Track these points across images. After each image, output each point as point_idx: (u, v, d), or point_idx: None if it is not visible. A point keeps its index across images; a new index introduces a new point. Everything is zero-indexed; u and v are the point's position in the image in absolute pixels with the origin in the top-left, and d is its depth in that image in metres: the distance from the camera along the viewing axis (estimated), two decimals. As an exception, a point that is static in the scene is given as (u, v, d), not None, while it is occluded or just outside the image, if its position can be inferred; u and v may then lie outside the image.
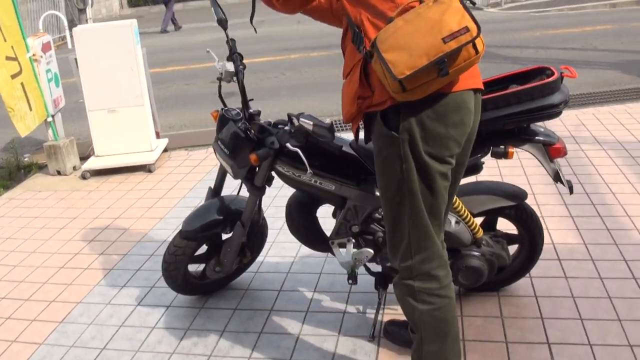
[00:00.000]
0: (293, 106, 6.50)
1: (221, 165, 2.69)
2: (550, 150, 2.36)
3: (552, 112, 2.24)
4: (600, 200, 3.50)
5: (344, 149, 2.37)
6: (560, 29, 9.99)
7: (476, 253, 2.50)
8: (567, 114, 5.16)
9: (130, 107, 4.56)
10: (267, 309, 2.79)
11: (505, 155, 2.33)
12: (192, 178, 4.46)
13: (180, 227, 2.69)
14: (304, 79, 7.73)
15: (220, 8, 2.48)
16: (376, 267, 2.66)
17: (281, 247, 3.34)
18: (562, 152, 2.38)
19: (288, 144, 2.22)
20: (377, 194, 2.43)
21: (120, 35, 4.40)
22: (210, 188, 2.77)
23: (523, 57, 8.06)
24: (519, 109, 2.23)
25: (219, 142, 2.48)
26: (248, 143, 2.37)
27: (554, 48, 8.47)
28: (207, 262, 2.81)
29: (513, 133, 2.35)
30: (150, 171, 4.62)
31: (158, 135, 4.94)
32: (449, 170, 1.79)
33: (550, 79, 2.22)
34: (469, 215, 2.46)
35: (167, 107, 6.86)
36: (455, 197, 2.41)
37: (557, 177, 2.38)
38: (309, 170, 2.18)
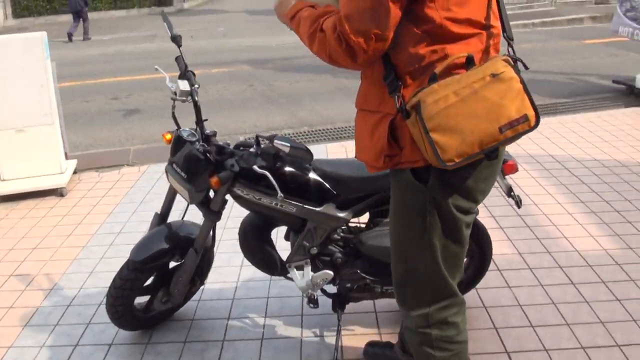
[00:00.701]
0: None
1: (170, 190, 2.53)
2: (505, 167, 2.45)
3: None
4: (525, 211, 3.69)
5: (308, 172, 2.32)
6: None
7: (434, 269, 2.52)
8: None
9: (39, 126, 4.18)
10: (219, 340, 2.64)
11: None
12: (109, 202, 4.17)
13: (108, 256, 2.48)
14: (210, 97, 7.56)
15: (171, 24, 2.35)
16: (331, 288, 2.62)
17: (220, 272, 3.19)
18: (515, 169, 2.48)
19: (255, 167, 2.12)
20: (339, 214, 2.40)
21: (29, 49, 4.03)
22: (156, 214, 2.59)
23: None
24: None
25: (173, 165, 2.32)
26: (207, 166, 2.24)
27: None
28: (154, 294, 2.63)
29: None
30: (62, 195, 4.27)
31: (67, 156, 4.58)
32: (473, 219, 1.75)
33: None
34: (428, 232, 2.48)
35: (68, 125, 6.38)
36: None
37: (509, 192, 2.47)
38: (280, 194, 2.09)
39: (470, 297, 2.85)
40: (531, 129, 1.49)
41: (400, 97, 1.52)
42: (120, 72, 9.50)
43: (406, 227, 1.72)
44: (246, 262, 3.23)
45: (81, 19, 14.70)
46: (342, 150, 5.01)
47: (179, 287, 2.50)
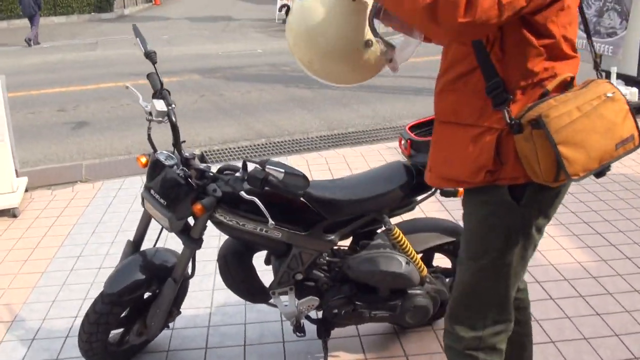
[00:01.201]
0: (156, 137, 6.08)
1: (144, 216, 2.38)
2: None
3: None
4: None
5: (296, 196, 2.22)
6: (411, 59, 10.61)
7: (421, 292, 2.47)
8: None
9: (-13, 143, 3.92)
10: (198, 371, 2.51)
11: (455, 193, 2.34)
12: (65, 222, 3.94)
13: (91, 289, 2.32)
14: (162, 107, 7.33)
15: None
16: (315, 314, 2.53)
17: (193, 297, 3.04)
18: (500, 188, 2.46)
19: (242, 192, 2.01)
20: (327, 238, 2.32)
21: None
22: (129, 241, 2.43)
23: (378, 84, 8.44)
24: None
25: (151, 191, 2.17)
26: (189, 192, 2.11)
27: (409, 76, 8.98)
28: (128, 326, 2.47)
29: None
30: (14, 216, 4.00)
31: (17, 174, 4.30)
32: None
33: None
34: (415, 255, 2.43)
35: (15, 139, 6.04)
36: (401, 235, 2.38)
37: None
38: (271, 222, 1.99)
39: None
40: (635, 148, 1.55)
41: (509, 112, 1.49)
42: (64, 82, 9.10)
43: (484, 244, 1.66)
44: (218, 285, 3.12)
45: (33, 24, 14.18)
46: (322, 161, 4.94)
47: (156, 320, 2.35)
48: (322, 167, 4.87)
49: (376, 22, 1.63)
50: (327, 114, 6.96)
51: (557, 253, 3.34)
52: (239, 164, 2.27)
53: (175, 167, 2.16)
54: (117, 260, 3.34)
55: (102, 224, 3.90)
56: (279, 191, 2.10)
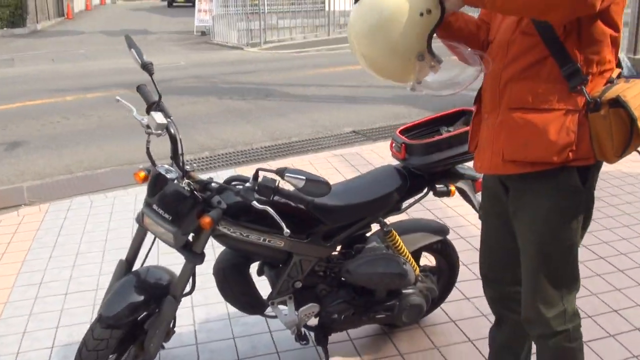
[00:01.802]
0: (95, 154, 5.87)
1: (138, 234, 2.29)
2: (476, 184, 2.54)
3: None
4: (456, 223, 3.85)
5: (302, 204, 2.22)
6: (331, 68, 10.81)
7: (415, 290, 2.54)
8: (371, 148, 5.62)
9: None
10: (197, 390, 2.45)
11: (448, 193, 2.43)
12: (17, 248, 3.71)
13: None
14: (92, 124, 7.07)
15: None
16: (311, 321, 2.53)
17: (172, 315, 2.95)
18: (484, 185, 2.58)
19: (254, 202, 1.99)
20: (327, 245, 2.34)
21: None
22: (121, 261, 2.33)
23: (309, 94, 8.54)
24: (461, 150, 2.36)
25: (153, 207, 2.10)
26: (195, 205, 2.06)
27: (335, 85, 9.14)
28: (121, 352, 2.36)
29: (447, 173, 2.48)
30: (-42, 245, 3.72)
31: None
32: None
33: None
34: (409, 255, 2.50)
35: None
36: (397, 237, 2.44)
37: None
38: (286, 230, 1.98)
39: (436, 313, 2.91)
40: None
41: (587, 94, 1.64)
42: (-15, 101, 8.55)
43: (557, 231, 1.78)
44: (197, 301, 3.05)
45: None
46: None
47: (155, 340, 2.26)
48: (274, 177, 4.86)
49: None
50: (267, 124, 6.95)
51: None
52: (237, 173, 2.25)
53: (177, 180, 2.10)
54: (81, 285, 3.22)
55: (58, 247, 3.70)
56: (290, 199, 2.10)
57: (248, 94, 8.61)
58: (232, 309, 2.97)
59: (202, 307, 3.04)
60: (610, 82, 1.68)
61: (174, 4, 29.57)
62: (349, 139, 6.23)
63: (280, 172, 1.90)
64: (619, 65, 1.76)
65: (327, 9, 16.77)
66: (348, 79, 9.56)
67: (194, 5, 18.28)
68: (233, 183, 2.16)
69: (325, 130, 6.63)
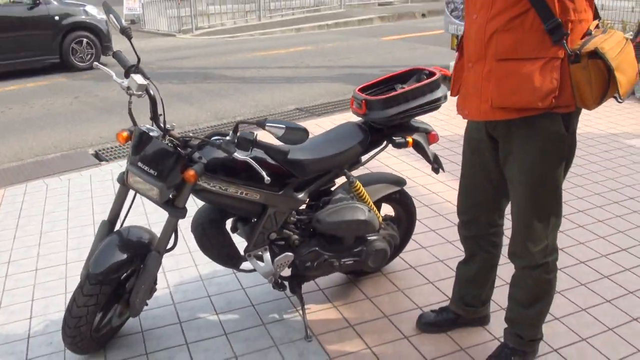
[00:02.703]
0: (43, 141, 5.79)
1: (120, 194, 2.40)
2: (429, 137, 2.79)
3: (438, 104, 2.65)
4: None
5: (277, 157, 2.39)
6: (267, 51, 10.91)
7: (379, 237, 2.76)
8: (315, 122, 5.83)
9: None
10: (182, 344, 2.58)
11: (406, 144, 2.65)
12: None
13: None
14: (37, 112, 6.91)
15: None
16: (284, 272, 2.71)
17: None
18: (437, 138, 2.83)
19: (236, 154, 2.14)
20: (299, 196, 2.52)
21: None
22: (103, 221, 2.43)
23: (248, 76, 8.63)
24: (416, 104, 2.59)
25: (138, 164, 2.21)
26: (179, 160, 2.19)
27: (272, 67, 9.27)
28: (106, 310, 2.47)
29: (403, 126, 2.70)
30: None
31: None
32: None
33: (436, 77, 2.63)
34: (372, 204, 2.71)
35: None
36: (361, 187, 2.65)
37: (435, 159, 2.81)
38: (267, 178, 2.14)
39: (397, 262, 3.15)
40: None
41: (565, 42, 1.82)
42: None
43: (546, 172, 2.00)
44: (168, 266, 3.17)
45: None
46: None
47: (140, 296, 2.38)
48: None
49: None
50: (211, 105, 7.02)
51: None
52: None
53: (160, 137, 2.21)
54: (50, 262, 3.25)
55: (20, 228, 3.70)
56: (267, 151, 2.25)
57: (187, 78, 8.61)
58: (204, 271, 3.14)
59: (175, 271, 3.16)
60: (588, 34, 1.87)
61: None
62: (293, 115, 6.41)
63: (261, 123, 2.06)
64: (596, 16, 1.96)
65: (255, -7, 16.75)
66: (285, 61, 9.71)
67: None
68: (213, 138, 2.30)
69: (269, 109, 6.78)
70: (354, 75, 8.42)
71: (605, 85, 1.84)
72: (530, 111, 1.91)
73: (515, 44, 1.88)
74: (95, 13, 9.76)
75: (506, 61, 1.90)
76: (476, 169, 2.25)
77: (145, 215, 3.77)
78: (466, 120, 2.23)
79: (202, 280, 3.07)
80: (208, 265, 3.18)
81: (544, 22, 1.83)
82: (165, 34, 15.19)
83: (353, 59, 9.76)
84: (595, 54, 1.80)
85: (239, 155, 2.14)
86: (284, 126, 2.04)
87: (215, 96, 7.46)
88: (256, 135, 2.15)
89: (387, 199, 2.89)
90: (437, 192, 4.01)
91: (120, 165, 4.69)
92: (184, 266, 3.20)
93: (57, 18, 9.24)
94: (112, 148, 5.46)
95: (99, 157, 5.18)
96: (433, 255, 3.23)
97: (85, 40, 9.55)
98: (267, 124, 2.05)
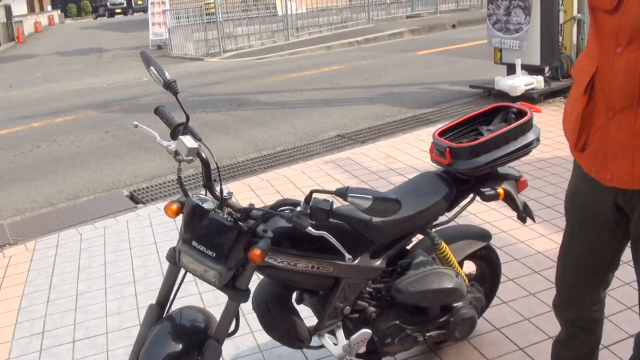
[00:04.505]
0: (74, 181, 5.54)
1: (170, 274, 2.05)
2: (518, 184, 2.40)
3: (530, 149, 2.27)
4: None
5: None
6: (300, 72, 10.60)
7: (465, 303, 2.38)
8: (361, 151, 5.47)
9: None
10: None
11: (497, 196, 2.27)
12: (10, 294, 3.39)
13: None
14: (66, 150, 6.70)
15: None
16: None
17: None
18: (526, 185, 2.44)
19: (310, 228, 1.78)
20: (375, 264, 2.15)
21: None
22: (151, 305, 2.09)
23: (283, 100, 8.32)
24: (508, 150, 2.21)
25: (193, 244, 1.86)
26: (241, 237, 1.84)
27: (307, 90, 8.94)
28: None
29: (491, 175, 2.32)
30: (-57, 300, 3.37)
31: None
32: None
33: (528, 117, 2.25)
34: (459, 266, 2.33)
35: None
36: (447, 249, 2.27)
37: (525, 208, 2.42)
38: (348, 256, 1.78)
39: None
40: None
41: None
42: None
43: None
44: (226, 354, 2.80)
45: None
46: (265, 185, 4.68)
47: (198, 391, 2.03)
48: (268, 191, 4.64)
49: None
50: (248, 135, 6.72)
51: (539, 240, 3.42)
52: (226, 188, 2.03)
53: (216, 210, 1.87)
54: (89, 330, 2.94)
55: (54, 289, 3.40)
56: (347, 221, 1.90)
57: (220, 106, 8.34)
58: (262, 340, 2.78)
59: (228, 340, 2.80)
60: None
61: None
62: (336, 143, 6.05)
63: (342, 193, 1.69)
64: None
65: (280, 13, 16.56)
66: (320, 82, 9.39)
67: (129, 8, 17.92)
68: (281, 208, 1.94)
69: (309, 137, 6.43)
70: (394, 94, 8.03)
71: None
72: None
73: None
74: None
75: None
76: (586, 248, 1.81)
77: (200, 295, 3.24)
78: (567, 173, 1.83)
79: (261, 352, 2.71)
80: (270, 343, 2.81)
81: None
82: (193, 57, 15.08)
83: (390, 76, 9.39)
84: None
85: (313, 230, 1.78)
86: (371, 196, 1.67)
87: (251, 124, 7.16)
88: (332, 203, 1.79)
89: (472, 256, 2.50)
90: (524, 241, 3.60)
91: (159, 209, 4.38)
92: (238, 334, 2.84)
93: None
94: (148, 188, 5.16)
95: (134, 199, 4.89)
96: (517, 312, 2.81)
97: None
98: (350, 195, 1.68)
